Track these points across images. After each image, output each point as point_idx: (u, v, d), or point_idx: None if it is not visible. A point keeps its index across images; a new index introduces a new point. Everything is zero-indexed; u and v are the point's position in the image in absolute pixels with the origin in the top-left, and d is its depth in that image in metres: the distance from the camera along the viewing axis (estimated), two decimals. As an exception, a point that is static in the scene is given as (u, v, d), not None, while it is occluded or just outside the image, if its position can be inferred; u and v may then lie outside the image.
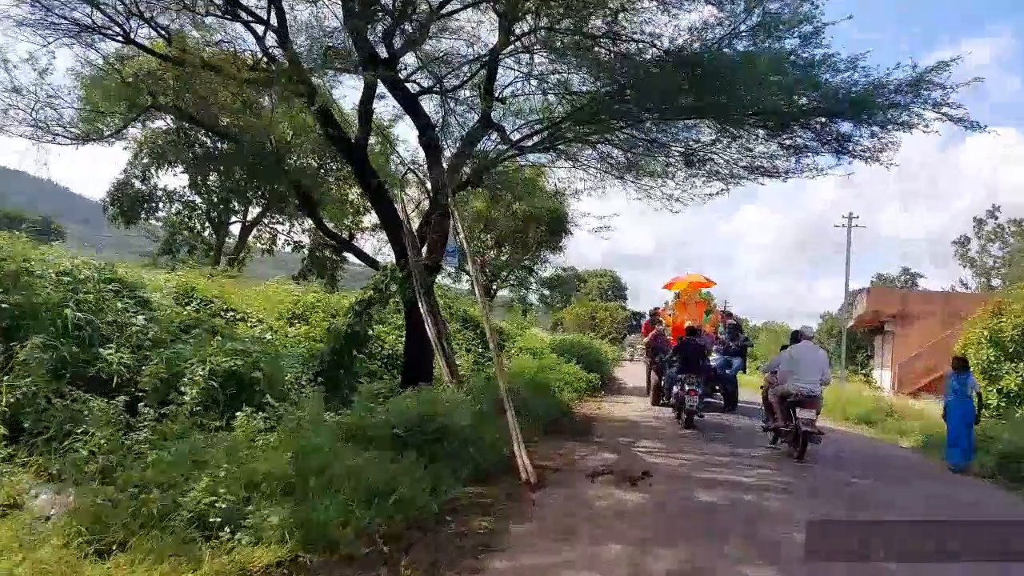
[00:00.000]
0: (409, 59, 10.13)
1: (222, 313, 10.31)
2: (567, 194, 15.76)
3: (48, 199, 66.86)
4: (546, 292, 45.70)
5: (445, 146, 10.85)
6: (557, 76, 10.10)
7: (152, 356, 5.91)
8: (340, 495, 4.35)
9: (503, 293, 33.06)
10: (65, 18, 8.88)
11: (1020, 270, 40.97)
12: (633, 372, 23.67)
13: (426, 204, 11.72)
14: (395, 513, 4.57)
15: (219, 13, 9.30)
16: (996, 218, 46.19)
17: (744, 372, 15.56)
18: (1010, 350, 15.04)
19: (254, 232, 22.35)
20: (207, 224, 21.17)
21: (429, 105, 10.71)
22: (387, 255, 13.13)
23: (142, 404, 5.10)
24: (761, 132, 9.79)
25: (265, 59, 9.62)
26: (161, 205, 20.03)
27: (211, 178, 19.73)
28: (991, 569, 4.78)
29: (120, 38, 9.37)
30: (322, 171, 15.96)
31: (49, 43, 8.94)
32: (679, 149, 10.75)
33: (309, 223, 19.89)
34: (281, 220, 22.50)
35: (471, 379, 10.17)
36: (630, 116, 9.82)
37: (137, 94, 10.63)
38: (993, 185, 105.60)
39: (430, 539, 4.55)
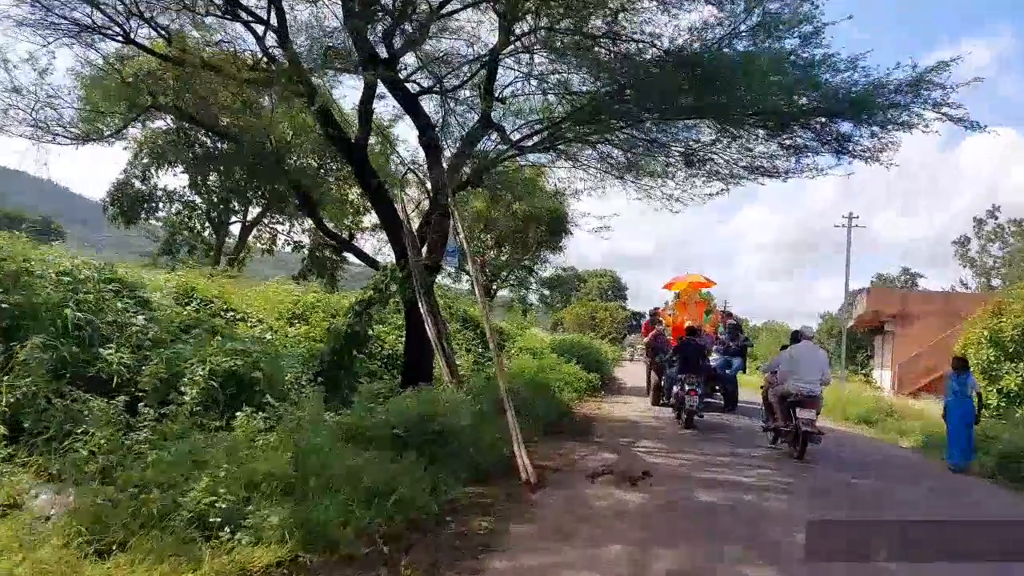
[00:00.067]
0: (409, 59, 10.13)
1: (222, 313, 10.31)
2: (567, 194, 15.78)
3: (48, 199, 66.84)
4: (546, 292, 45.72)
5: (445, 146, 10.85)
6: (557, 76, 10.09)
7: (152, 356, 5.90)
8: (340, 495, 4.35)
9: (503, 293, 33.07)
10: (65, 18, 8.87)
11: (1020, 270, 40.96)
12: (633, 372, 23.66)
13: (426, 204, 11.72)
14: (395, 513, 4.58)
15: (219, 13, 9.30)
16: (996, 218, 46.26)
17: (744, 372, 15.56)
18: (1010, 350, 15.02)
19: (254, 232, 22.34)
20: (207, 224, 21.16)
21: (429, 105, 10.72)
22: (387, 255, 13.14)
23: (142, 404, 5.09)
24: (761, 132, 9.78)
25: (265, 59, 9.62)
26: (161, 205, 20.02)
27: (211, 178, 19.72)
28: (992, 569, 4.77)
29: (120, 38, 9.37)
30: (322, 171, 15.95)
31: (49, 43, 8.94)
32: (679, 149, 10.75)
33: (309, 223, 19.88)
34: (281, 220, 22.48)
35: (471, 379, 10.17)
36: (630, 116, 9.82)
37: (137, 94, 10.62)
38: (993, 185, 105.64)
39: (430, 539, 4.54)
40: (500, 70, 9.98)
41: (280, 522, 3.68)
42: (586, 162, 12.06)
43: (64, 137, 10.12)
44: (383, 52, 9.05)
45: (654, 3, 8.32)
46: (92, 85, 10.68)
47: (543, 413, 9.60)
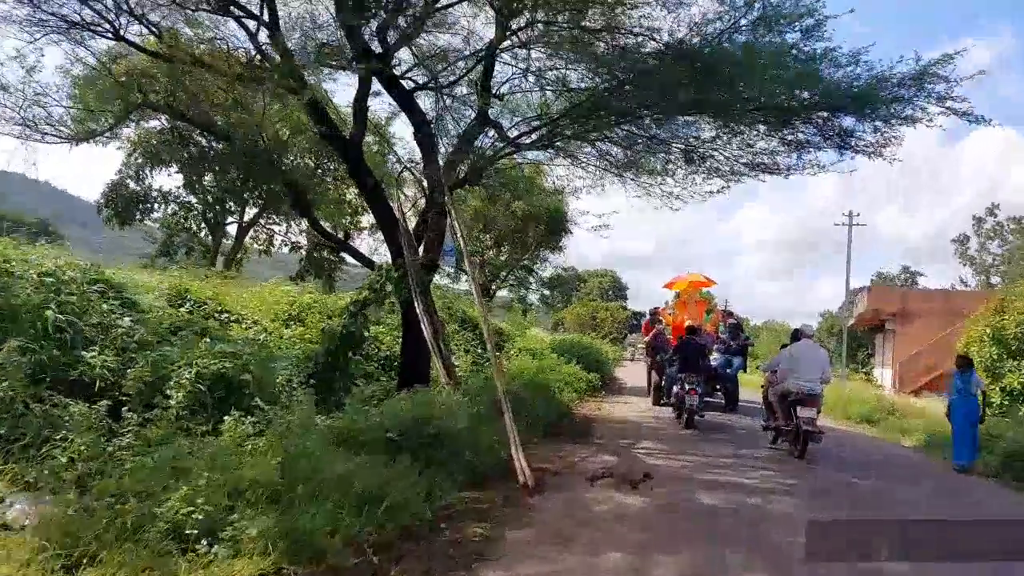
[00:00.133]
0: (405, 55, 9.98)
1: (216, 315, 10.18)
2: (566, 192, 15.61)
3: (47, 201, 66.62)
4: (547, 292, 45.60)
5: (441, 144, 10.70)
6: (555, 72, 9.95)
7: (138, 359, 5.73)
8: (329, 502, 4.17)
9: (503, 293, 32.93)
10: (53, 14, 8.70)
11: (1019, 268, 40.86)
12: (634, 372, 23.52)
13: (423, 203, 11.56)
14: (387, 521, 4.41)
15: (209, 7, 9.13)
16: (995, 216, 46.17)
17: (745, 371, 15.48)
18: (1013, 347, 14.88)
19: (251, 233, 22.21)
20: (203, 225, 21.02)
21: (426, 103, 10.57)
22: (384, 255, 12.99)
23: (125, 408, 4.93)
24: (762, 128, 9.63)
25: (258, 56, 9.45)
26: (156, 206, 19.87)
27: (206, 178, 19.58)
28: (994, 569, 4.67)
29: (110, 35, 9.21)
30: (319, 171, 15.81)
31: (36, 39, 8.76)
32: (679, 146, 10.59)
33: (306, 224, 19.74)
34: (278, 221, 22.37)
35: (470, 380, 10.02)
36: (629, 112, 9.67)
37: (128, 92, 10.46)
38: (993, 185, 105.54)
39: (423, 548, 4.37)
40: (497, 66, 9.83)
41: (261, 533, 3.48)
42: (585, 160, 11.90)
43: (53, 136, 9.94)
44: (376, 47, 8.90)
45: (652, -2, 8.17)
46: (83, 84, 10.53)
47: (542, 414, 9.47)
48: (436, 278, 14.01)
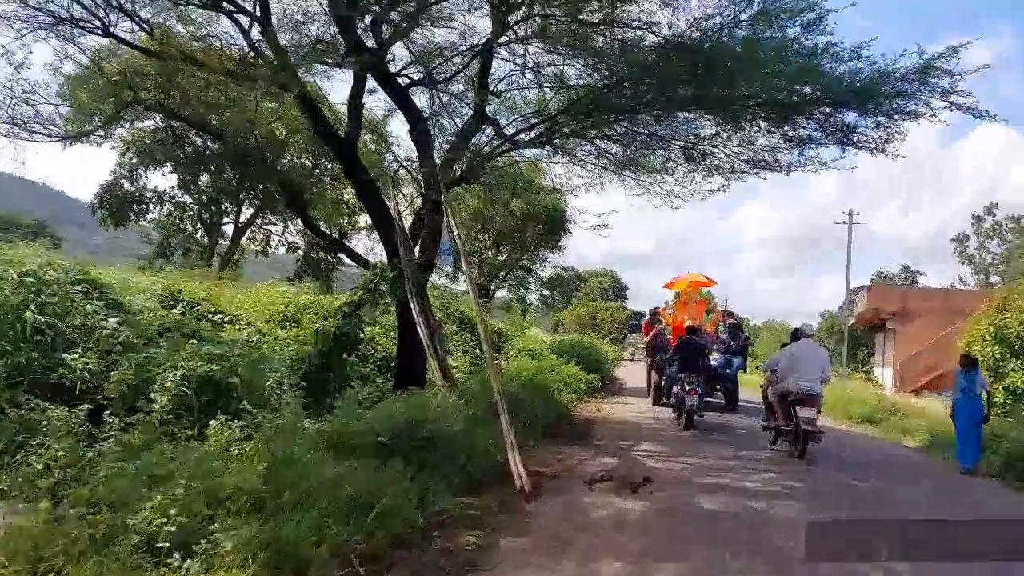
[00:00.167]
0: (401, 52, 9.83)
1: (209, 316, 10.03)
2: (565, 191, 15.45)
3: (44, 203, 66.44)
4: (546, 292, 45.45)
5: (438, 141, 10.55)
6: (553, 68, 9.79)
7: (122, 361, 5.56)
8: (315, 510, 4.00)
9: (502, 293, 32.77)
10: (41, 9, 8.55)
11: (1019, 266, 40.73)
12: (634, 372, 23.36)
13: (419, 202, 11.41)
14: (376, 528, 4.24)
15: (200, 2, 8.97)
16: (994, 215, 46.06)
17: (745, 371, 15.38)
18: (1016, 346, 14.70)
19: (248, 233, 22.04)
20: (199, 226, 20.86)
21: (421, 99, 10.41)
22: (379, 255, 12.82)
23: (107, 413, 4.76)
24: (763, 124, 9.48)
25: (251, 52, 9.30)
26: (151, 206, 19.70)
27: (201, 178, 19.41)
28: (994, 569, 4.58)
29: (100, 31, 9.05)
30: (316, 171, 15.63)
31: (23, 35, 8.60)
32: (679, 143, 10.45)
33: (301, 223, 19.58)
34: (275, 221, 22.20)
35: (467, 381, 9.86)
36: (628, 109, 9.52)
37: (120, 91, 10.29)
38: (992, 186, 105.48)
39: (413, 557, 4.20)
40: (495, 62, 9.68)
41: (240, 544, 3.30)
42: (584, 157, 11.76)
43: (43, 135, 9.78)
44: (370, 42, 8.74)
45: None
46: (74, 82, 10.36)
47: (541, 416, 9.32)
48: (434, 278, 13.85)
